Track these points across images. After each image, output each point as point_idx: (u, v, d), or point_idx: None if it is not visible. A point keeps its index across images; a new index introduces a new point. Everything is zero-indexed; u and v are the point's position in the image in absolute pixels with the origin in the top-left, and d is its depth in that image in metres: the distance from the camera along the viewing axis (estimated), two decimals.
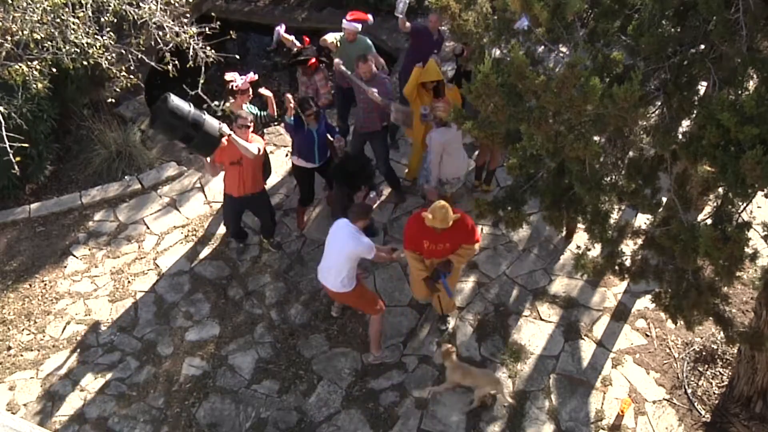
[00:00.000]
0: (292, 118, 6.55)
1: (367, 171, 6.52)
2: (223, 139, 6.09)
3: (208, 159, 6.26)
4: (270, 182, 7.79)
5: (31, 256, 7.11)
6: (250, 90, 6.78)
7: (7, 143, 4.67)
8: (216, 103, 6.63)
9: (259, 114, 6.82)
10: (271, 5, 10.58)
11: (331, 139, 6.76)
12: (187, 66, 5.82)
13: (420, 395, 5.90)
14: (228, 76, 6.65)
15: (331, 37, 7.29)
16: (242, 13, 10.46)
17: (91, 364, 6.20)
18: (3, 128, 4.77)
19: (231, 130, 6.09)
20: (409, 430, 5.70)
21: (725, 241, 3.64)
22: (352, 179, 6.36)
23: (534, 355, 6.16)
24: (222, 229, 7.20)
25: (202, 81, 5.78)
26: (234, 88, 6.68)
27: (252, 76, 6.75)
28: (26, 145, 5.21)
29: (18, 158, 4.85)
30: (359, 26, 7.20)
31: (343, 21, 7.22)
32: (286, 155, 7.85)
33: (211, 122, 6.00)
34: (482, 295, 6.62)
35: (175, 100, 5.83)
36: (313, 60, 7.27)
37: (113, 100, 7.78)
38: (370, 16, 7.38)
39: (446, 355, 5.71)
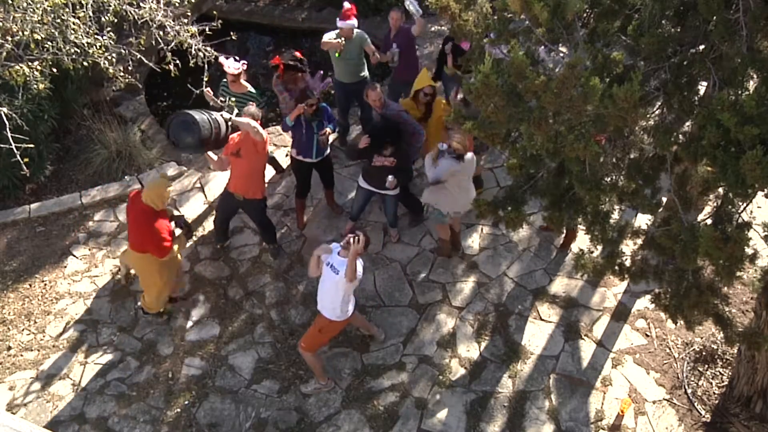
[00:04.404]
0: (292, 121, 6.58)
1: (397, 131, 6.39)
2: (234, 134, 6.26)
3: (215, 155, 6.37)
4: (269, 180, 7.81)
5: (31, 256, 7.11)
6: (243, 74, 6.91)
7: (13, 144, 4.67)
8: (222, 99, 6.64)
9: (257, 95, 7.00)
10: (271, 5, 10.60)
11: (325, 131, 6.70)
12: (189, 65, 5.84)
13: (420, 395, 5.90)
14: (222, 60, 6.71)
15: (333, 35, 7.24)
16: (242, 12, 10.48)
17: (91, 364, 6.21)
18: (7, 128, 4.77)
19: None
20: (409, 430, 5.70)
21: (725, 241, 3.64)
22: (380, 136, 6.28)
23: (534, 355, 6.16)
24: None
25: (206, 80, 5.80)
26: (229, 73, 6.79)
27: (239, 66, 6.83)
28: (31, 145, 5.22)
29: (26, 159, 4.85)
30: (355, 22, 7.18)
31: (338, 22, 7.18)
32: (286, 155, 7.85)
33: (220, 122, 6.12)
34: (482, 295, 6.62)
35: (203, 130, 6.02)
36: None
37: (109, 98, 7.80)
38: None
39: None
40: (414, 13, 7.19)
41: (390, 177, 6.38)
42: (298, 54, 7.06)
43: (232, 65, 6.75)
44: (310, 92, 6.56)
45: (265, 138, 6.25)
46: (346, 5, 7.13)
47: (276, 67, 7.08)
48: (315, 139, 6.64)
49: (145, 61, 5.82)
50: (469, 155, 6.22)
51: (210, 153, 6.33)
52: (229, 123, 6.21)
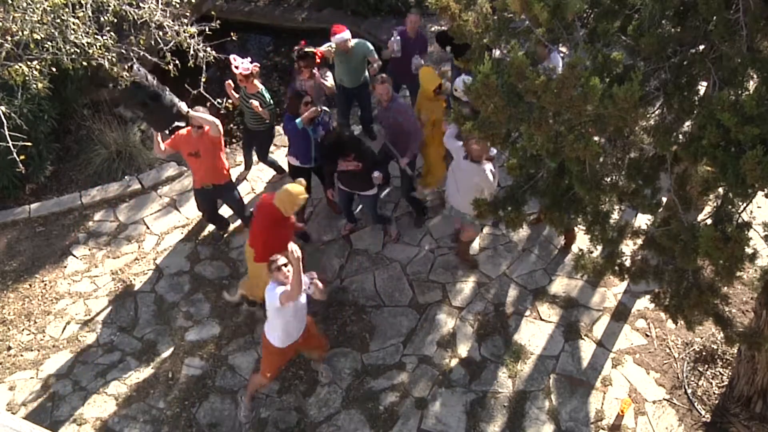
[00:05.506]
0: (296, 119, 6.56)
1: (352, 141, 6.42)
2: (184, 130, 6.29)
3: (160, 137, 6.34)
4: (269, 181, 7.81)
5: (31, 256, 7.11)
6: (255, 72, 6.89)
7: (10, 142, 4.66)
8: (219, 101, 6.64)
9: (268, 100, 7.01)
10: (271, 5, 10.59)
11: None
12: (188, 65, 5.84)
13: (420, 395, 5.90)
14: (233, 59, 6.74)
15: (326, 47, 7.24)
16: (242, 13, 10.47)
17: (91, 364, 6.21)
18: (5, 128, 4.77)
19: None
20: (409, 430, 5.70)
21: (725, 241, 3.64)
22: (334, 150, 6.32)
23: (534, 355, 6.16)
24: None
25: (203, 80, 5.80)
26: (238, 73, 6.80)
27: (248, 65, 6.82)
28: (29, 144, 5.21)
29: (23, 156, 4.85)
30: (348, 34, 7.18)
31: (332, 38, 7.16)
32: (286, 155, 7.83)
33: (170, 98, 6.13)
34: (482, 295, 6.62)
35: (141, 70, 6.01)
36: (318, 57, 7.18)
37: (109, 98, 7.80)
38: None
39: None
40: (394, 50, 7.38)
41: (376, 173, 6.38)
42: (317, 52, 7.11)
43: (241, 65, 6.76)
44: (303, 92, 6.58)
45: (221, 132, 6.38)
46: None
47: (302, 52, 7.10)
48: (312, 145, 6.65)
49: (149, 57, 5.83)
50: (486, 167, 6.01)
51: (159, 138, 6.33)
52: (177, 109, 6.15)
